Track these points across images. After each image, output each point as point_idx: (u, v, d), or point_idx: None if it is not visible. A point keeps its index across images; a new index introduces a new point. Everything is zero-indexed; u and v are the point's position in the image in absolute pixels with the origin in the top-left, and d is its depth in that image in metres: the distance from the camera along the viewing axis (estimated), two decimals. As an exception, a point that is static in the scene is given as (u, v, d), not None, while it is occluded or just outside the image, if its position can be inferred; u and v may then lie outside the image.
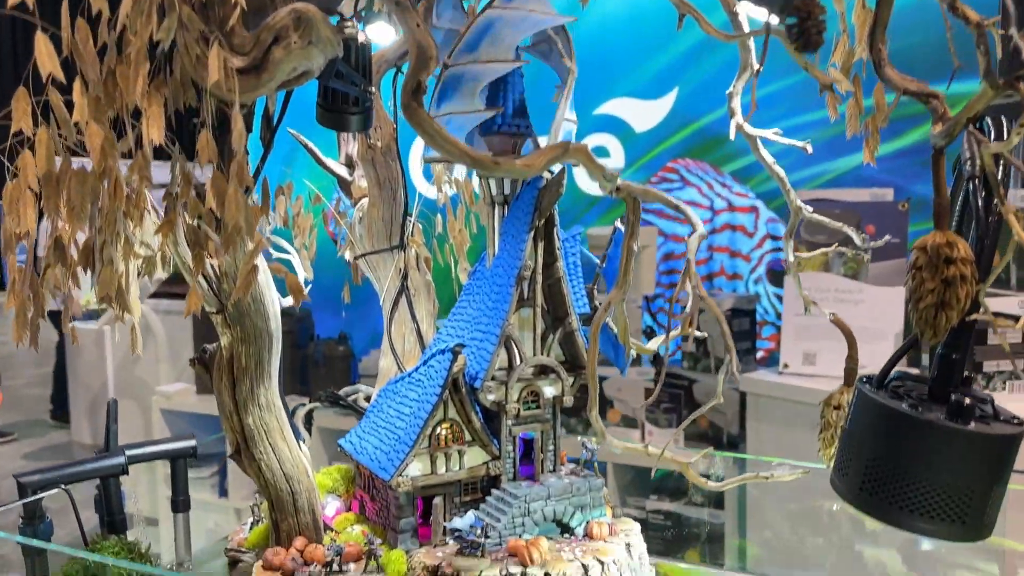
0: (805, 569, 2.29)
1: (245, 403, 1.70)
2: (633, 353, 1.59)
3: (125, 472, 2.03)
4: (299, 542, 1.79)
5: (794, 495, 2.62)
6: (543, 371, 1.85)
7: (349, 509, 2.01)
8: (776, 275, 5.33)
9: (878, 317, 4.02)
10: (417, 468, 1.77)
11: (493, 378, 1.79)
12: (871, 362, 3.90)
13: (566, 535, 1.83)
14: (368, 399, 2.40)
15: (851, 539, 2.37)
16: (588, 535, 1.81)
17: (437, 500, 1.76)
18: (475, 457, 1.82)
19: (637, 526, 1.88)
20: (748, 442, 3.90)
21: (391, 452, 1.78)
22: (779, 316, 4.90)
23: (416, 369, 1.89)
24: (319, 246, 2.37)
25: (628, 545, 1.79)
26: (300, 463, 1.79)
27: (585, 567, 1.68)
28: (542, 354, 1.84)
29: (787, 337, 4.31)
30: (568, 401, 1.86)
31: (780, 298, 4.91)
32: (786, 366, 4.06)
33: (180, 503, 2.15)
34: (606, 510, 1.87)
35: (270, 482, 1.76)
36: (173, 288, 6.11)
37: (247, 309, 1.62)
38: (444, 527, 1.77)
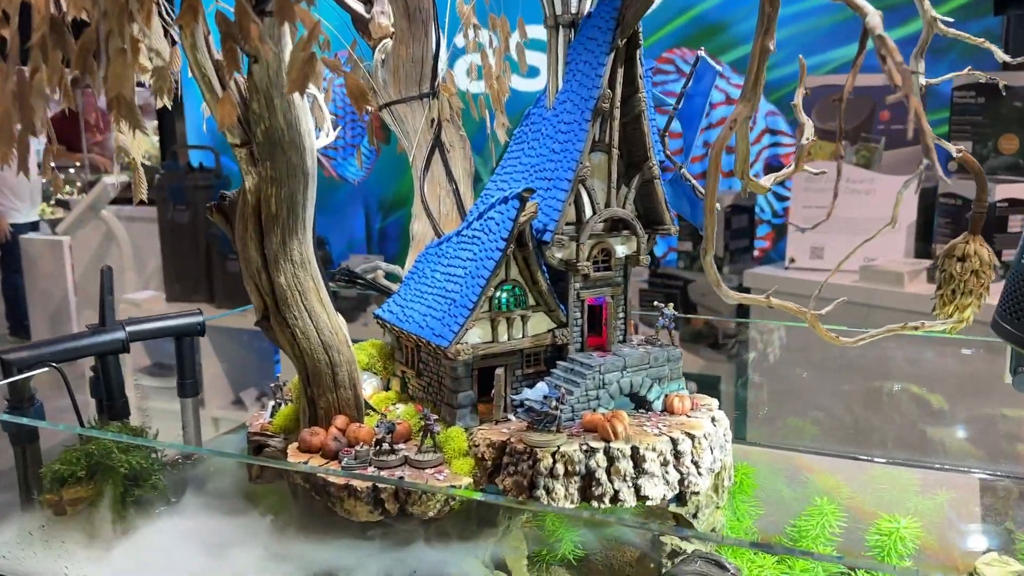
0: (866, 447, 2.13)
1: (276, 258, 1.43)
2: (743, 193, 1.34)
3: (126, 349, 1.76)
4: (340, 420, 1.55)
5: (844, 375, 2.45)
6: (615, 226, 1.60)
7: (387, 388, 1.78)
8: (773, 171, 5.13)
9: (891, 207, 3.84)
10: (477, 335, 1.53)
11: (562, 232, 1.54)
12: (883, 254, 3.71)
13: (641, 410, 1.62)
14: (389, 277, 2.15)
15: (913, 418, 2.22)
16: (668, 409, 1.61)
17: (499, 371, 1.53)
18: (539, 324, 1.59)
19: (715, 401, 1.68)
20: (751, 341, 3.71)
21: (446, 317, 1.53)
22: (775, 215, 4.72)
23: (468, 225, 1.63)
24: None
25: (713, 420, 1.59)
26: (340, 331, 1.54)
27: (674, 441, 1.48)
28: (616, 206, 1.59)
29: (795, 231, 4.11)
30: (644, 261, 1.62)
31: (777, 196, 4.71)
32: (792, 260, 3.87)
33: (188, 386, 1.90)
34: (684, 383, 1.66)
35: (306, 351, 1.50)
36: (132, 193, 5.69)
37: (280, 138, 1.33)
38: (508, 400, 1.55)
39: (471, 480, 1.46)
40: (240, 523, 1.60)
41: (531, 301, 1.57)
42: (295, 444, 1.55)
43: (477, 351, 1.52)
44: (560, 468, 1.42)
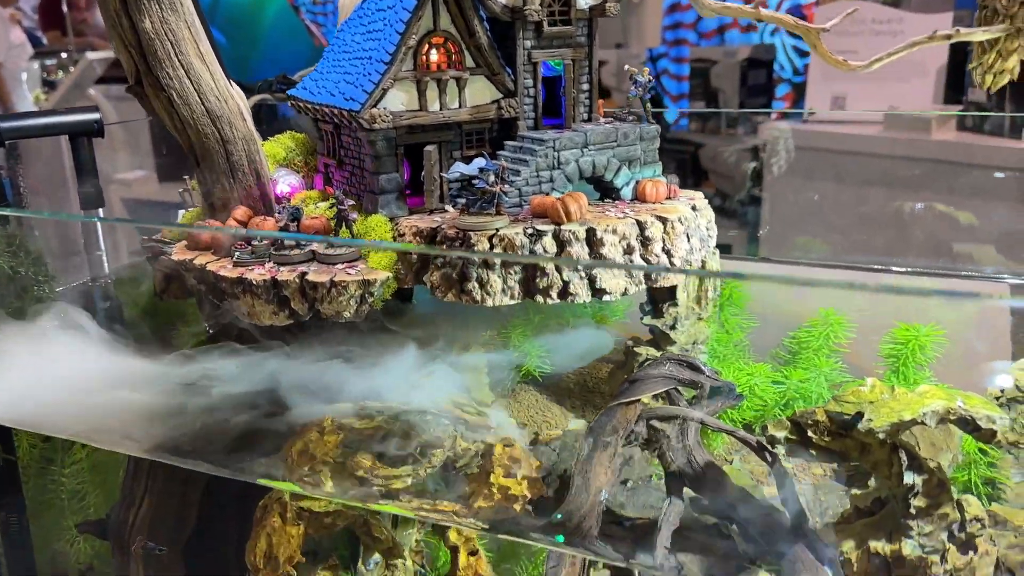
0: (885, 259, 1.84)
1: (135, -3, 1.13)
2: None
3: (1, 145, 1.48)
4: (239, 212, 1.28)
5: (861, 194, 2.15)
6: (575, -33, 1.27)
7: (311, 188, 1.50)
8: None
9: (920, 50, 3.44)
10: (400, 101, 1.23)
11: (505, -31, 1.21)
12: (912, 103, 3.29)
13: (607, 199, 1.34)
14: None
15: (939, 235, 1.93)
16: (639, 197, 1.32)
17: (430, 148, 1.24)
18: (481, 92, 1.29)
19: (700, 193, 1.39)
20: (765, 204, 3.35)
21: (360, 78, 1.23)
22: (796, 72, 4.29)
23: (392, -29, 1.31)
24: None
25: (695, 207, 1.30)
26: (231, 99, 1.25)
27: (641, 225, 1.20)
28: (574, -63, 1.25)
29: (814, 78, 3.72)
30: (613, 10, 1.30)
31: (799, 51, 4.28)
32: (811, 112, 3.51)
33: (88, 197, 1.63)
34: (660, 169, 1.37)
35: (188, 122, 1.22)
36: (122, 72, 5.33)
37: None
38: (444, 187, 1.27)
39: (391, 275, 1.20)
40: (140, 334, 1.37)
41: (469, 61, 1.26)
42: (181, 243, 1.30)
43: (400, 120, 1.22)
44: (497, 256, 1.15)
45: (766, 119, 3.72)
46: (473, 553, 1.13)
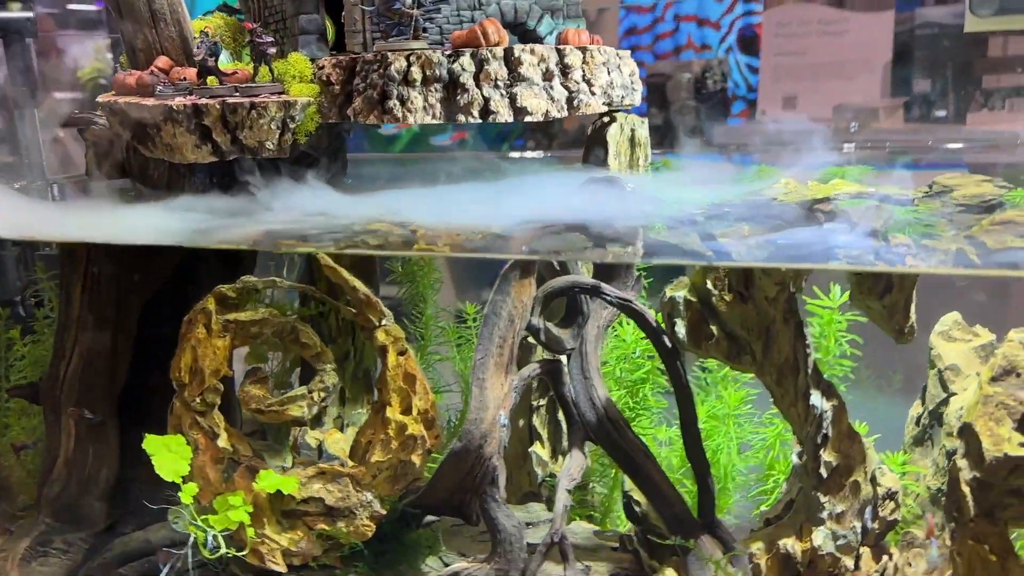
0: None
1: None
2: None
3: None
4: (162, 61, 1.28)
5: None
6: None
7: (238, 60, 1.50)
8: (748, 42, 4.79)
9: (864, 46, 3.55)
10: (319, -59, 1.25)
11: None
12: (856, 100, 3.38)
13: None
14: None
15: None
16: (562, 43, 1.34)
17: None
18: (402, -59, 1.31)
19: (628, 53, 1.42)
20: None
21: (280, -80, 1.26)
22: (750, 89, 4.40)
23: None
24: None
25: (619, 55, 1.33)
26: (151, -56, 1.26)
27: (560, 52, 1.22)
28: None
29: (765, 78, 3.81)
30: None
31: (752, 68, 4.40)
32: (763, 112, 3.60)
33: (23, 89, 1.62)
34: (584, 24, 1.39)
35: (107, -38, 1.23)
36: None
37: None
38: (366, 32, 1.28)
39: (313, 100, 1.20)
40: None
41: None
42: (108, 92, 1.29)
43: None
44: (417, 72, 1.16)
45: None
46: (402, 353, 1.11)
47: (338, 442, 1.30)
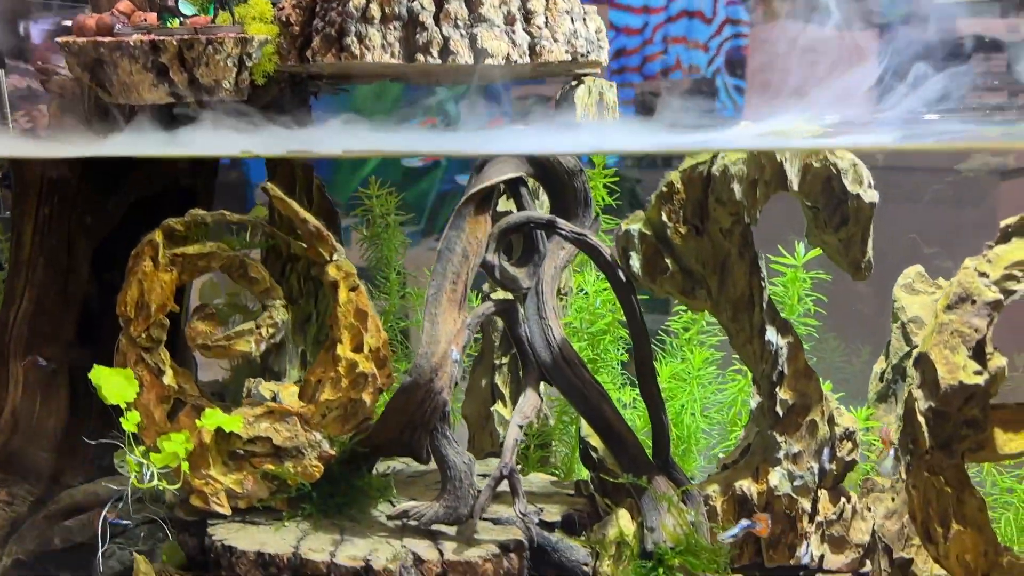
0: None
1: None
2: None
3: None
4: (123, 5, 1.28)
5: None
6: None
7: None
8: (735, 64, 4.85)
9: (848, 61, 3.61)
10: None
11: None
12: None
13: None
14: None
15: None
16: (527, -3, 1.34)
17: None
18: None
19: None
20: None
21: None
22: (737, 110, 4.44)
23: None
24: None
25: (585, 12, 1.33)
26: None
27: (526, 3, 1.21)
28: None
29: (752, 86, 3.84)
30: None
31: (740, 90, 4.46)
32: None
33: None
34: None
35: (69, -100, 1.23)
36: None
37: None
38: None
39: (271, 39, 1.20)
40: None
41: None
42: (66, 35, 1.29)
43: (282, -98, 1.24)
44: (375, 10, 1.15)
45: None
46: (353, 288, 1.09)
47: (294, 395, 1.28)
